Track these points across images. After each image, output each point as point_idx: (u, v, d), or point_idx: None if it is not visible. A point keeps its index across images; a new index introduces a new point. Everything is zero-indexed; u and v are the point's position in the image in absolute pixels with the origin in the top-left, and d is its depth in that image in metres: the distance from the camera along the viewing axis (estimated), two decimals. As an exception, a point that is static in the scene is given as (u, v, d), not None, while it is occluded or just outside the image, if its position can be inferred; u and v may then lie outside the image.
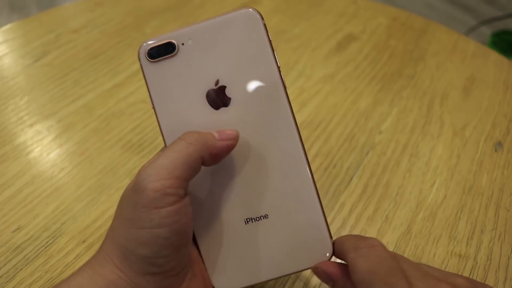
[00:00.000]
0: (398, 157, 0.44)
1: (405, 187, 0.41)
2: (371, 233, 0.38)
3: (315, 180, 0.26)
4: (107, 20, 0.62)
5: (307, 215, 0.25)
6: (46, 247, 0.36)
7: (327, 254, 0.25)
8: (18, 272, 0.34)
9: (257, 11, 0.25)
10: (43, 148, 0.44)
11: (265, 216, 0.25)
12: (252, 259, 0.25)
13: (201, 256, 0.25)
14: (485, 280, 0.34)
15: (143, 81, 0.53)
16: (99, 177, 0.42)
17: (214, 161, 0.23)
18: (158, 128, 0.46)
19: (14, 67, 0.54)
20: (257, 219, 0.25)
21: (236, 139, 0.24)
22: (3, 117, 0.48)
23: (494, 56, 0.57)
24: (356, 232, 0.38)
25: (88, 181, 0.41)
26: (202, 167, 0.23)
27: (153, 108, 0.25)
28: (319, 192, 0.25)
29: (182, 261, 0.23)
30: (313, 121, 0.48)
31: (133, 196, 0.21)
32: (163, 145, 0.26)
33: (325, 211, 0.25)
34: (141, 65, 0.25)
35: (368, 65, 0.56)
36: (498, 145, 0.46)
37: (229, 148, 0.23)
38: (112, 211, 0.39)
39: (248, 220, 0.25)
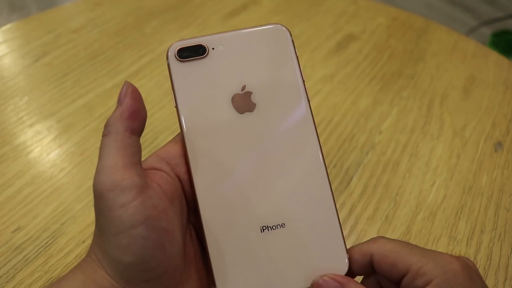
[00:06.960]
0: (398, 157, 0.44)
1: (405, 187, 0.41)
2: (371, 233, 0.38)
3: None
4: (107, 20, 0.62)
5: (325, 228, 0.25)
6: (46, 247, 0.36)
7: (344, 269, 0.24)
8: (18, 272, 0.34)
9: (287, 28, 0.27)
10: (43, 148, 0.44)
11: (282, 225, 0.24)
12: (264, 269, 0.24)
13: (209, 261, 0.24)
14: (485, 280, 0.34)
15: (143, 81, 0.53)
16: (99, 177, 0.42)
17: (139, 122, 0.23)
18: (157, 129, 0.46)
19: (14, 67, 0.54)
20: (273, 227, 0.24)
21: (132, 87, 0.23)
22: (3, 117, 0.48)
23: (494, 56, 0.57)
24: (356, 232, 0.38)
25: (88, 181, 0.41)
26: (218, 172, 0.24)
27: (176, 107, 0.25)
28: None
29: (174, 260, 0.22)
30: (313, 121, 0.48)
31: (97, 204, 0.21)
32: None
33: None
34: (168, 64, 0.25)
35: (368, 65, 0.56)
36: (498, 145, 0.46)
37: (136, 95, 0.23)
38: (112, 211, 0.39)
39: (264, 228, 0.24)
